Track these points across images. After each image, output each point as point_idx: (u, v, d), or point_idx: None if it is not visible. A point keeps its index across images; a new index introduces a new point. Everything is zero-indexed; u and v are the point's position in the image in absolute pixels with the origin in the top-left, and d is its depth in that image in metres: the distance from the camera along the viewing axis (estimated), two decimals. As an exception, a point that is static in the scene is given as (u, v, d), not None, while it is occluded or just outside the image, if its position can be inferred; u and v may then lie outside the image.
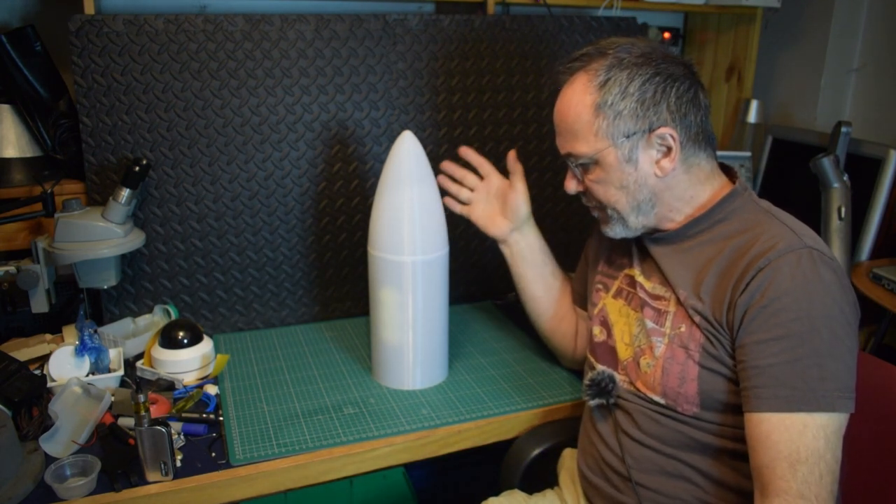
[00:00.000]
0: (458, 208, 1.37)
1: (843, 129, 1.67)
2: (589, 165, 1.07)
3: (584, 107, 1.03)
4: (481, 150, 1.67)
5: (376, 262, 1.30)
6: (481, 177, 1.36)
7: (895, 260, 1.69)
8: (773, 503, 0.87)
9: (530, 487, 1.24)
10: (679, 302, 1.03)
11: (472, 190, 1.36)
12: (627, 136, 1.02)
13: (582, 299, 1.33)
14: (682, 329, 1.01)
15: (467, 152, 1.36)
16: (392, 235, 1.26)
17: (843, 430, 0.90)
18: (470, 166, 1.37)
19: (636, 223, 1.07)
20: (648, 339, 1.05)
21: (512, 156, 1.31)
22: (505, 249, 1.35)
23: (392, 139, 1.34)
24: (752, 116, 2.01)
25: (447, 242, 1.32)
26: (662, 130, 1.01)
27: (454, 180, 1.37)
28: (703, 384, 0.98)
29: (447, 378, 1.38)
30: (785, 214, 1.02)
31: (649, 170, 1.03)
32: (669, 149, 1.02)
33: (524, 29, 1.66)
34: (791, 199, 1.89)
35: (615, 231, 1.10)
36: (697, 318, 0.99)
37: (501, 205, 1.33)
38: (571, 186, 1.12)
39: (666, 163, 1.03)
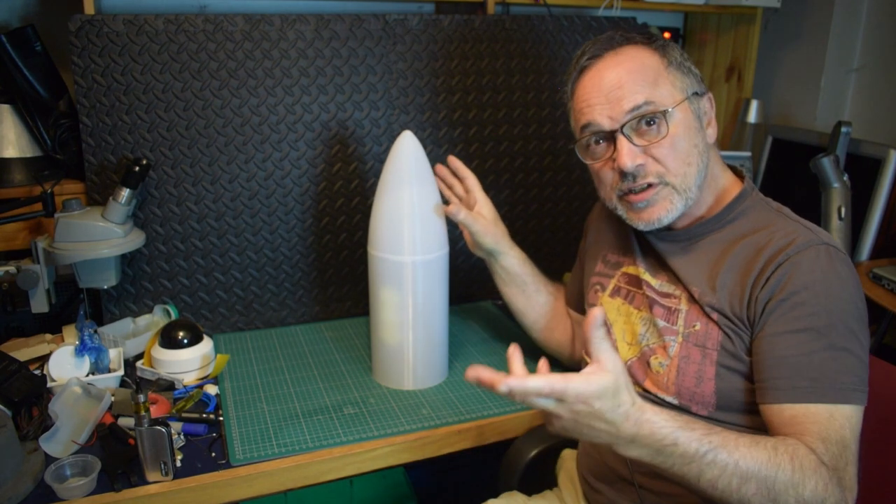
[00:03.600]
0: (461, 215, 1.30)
1: (843, 129, 1.68)
2: (661, 125, 0.98)
3: (653, 60, 1.02)
4: (481, 151, 1.69)
5: (376, 262, 1.30)
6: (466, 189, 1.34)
7: (895, 260, 1.69)
8: (806, 449, 0.84)
9: (529, 488, 1.24)
10: (692, 299, 1.02)
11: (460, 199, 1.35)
12: (697, 94, 1.03)
13: (578, 302, 1.32)
14: (697, 327, 1.00)
15: (453, 161, 1.35)
16: (392, 235, 1.26)
17: (860, 424, 0.90)
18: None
19: (694, 197, 1.01)
20: (661, 338, 1.04)
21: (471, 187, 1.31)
22: (488, 266, 1.36)
23: (392, 139, 1.34)
24: (752, 116, 2.01)
25: (447, 242, 1.32)
26: (709, 95, 1.06)
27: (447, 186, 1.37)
28: (721, 383, 0.97)
29: (447, 378, 1.38)
30: (795, 214, 1.03)
31: (706, 133, 1.04)
32: (709, 118, 1.05)
33: (524, 29, 1.66)
34: (791, 199, 1.89)
35: (670, 211, 1.01)
36: (715, 316, 0.98)
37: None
38: (632, 158, 0.98)
39: (711, 130, 1.05)
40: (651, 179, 1.00)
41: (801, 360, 0.90)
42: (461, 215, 1.26)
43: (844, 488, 0.83)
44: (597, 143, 1.04)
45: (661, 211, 1.01)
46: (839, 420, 0.87)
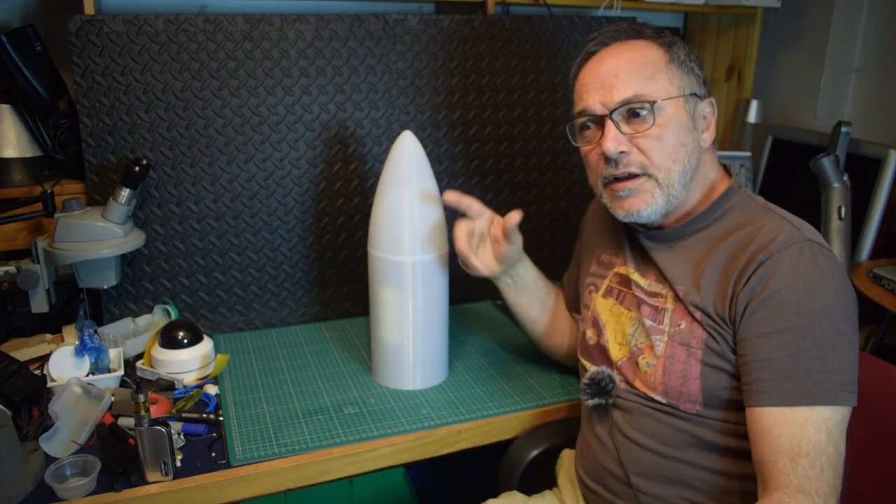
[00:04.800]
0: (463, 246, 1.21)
1: (843, 129, 1.67)
2: (647, 116, 0.99)
3: (656, 55, 1.02)
4: (481, 151, 1.69)
5: (376, 262, 1.30)
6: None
7: (895, 260, 1.69)
8: (773, 497, 0.87)
9: (529, 488, 1.24)
10: (677, 298, 1.02)
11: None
12: (694, 95, 1.03)
13: (574, 303, 1.32)
14: (682, 326, 1.00)
15: (451, 197, 1.20)
16: (392, 235, 1.26)
17: (845, 424, 0.90)
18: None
19: (677, 195, 1.02)
20: (648, 338, 1.04)
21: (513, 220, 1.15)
22: (497, 283, 1.28)
23: (392, 139, 1.34)
24: (752, 116, 2.01)
25: (447, 242, 1.32)
26: (711, 100, 1.05)
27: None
28: (706, 382, 0.97)
29: (447, 378, 1.38)
30: (782, 210, 1.02)
31: (700, 136, 1.04)
32: (708, 123, 1.05)
33: (524, 29, 1.66)
34: (791, 199, 1.89)
35: (650, 204, 1.01)
36: (698, 315, 0.99)
37: (493, 245, 1.21)
38: (616, 143, 0.99)
39: (707, 135, 1.05)
40: (634, 169, 1.01)
41: (784, 362, 0.90)
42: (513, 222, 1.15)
43: (823, 496, 0.85)
44: (587, 126, 1.06)
45: (640, 203, 1.02)
46: (814, 424, 0.87)
